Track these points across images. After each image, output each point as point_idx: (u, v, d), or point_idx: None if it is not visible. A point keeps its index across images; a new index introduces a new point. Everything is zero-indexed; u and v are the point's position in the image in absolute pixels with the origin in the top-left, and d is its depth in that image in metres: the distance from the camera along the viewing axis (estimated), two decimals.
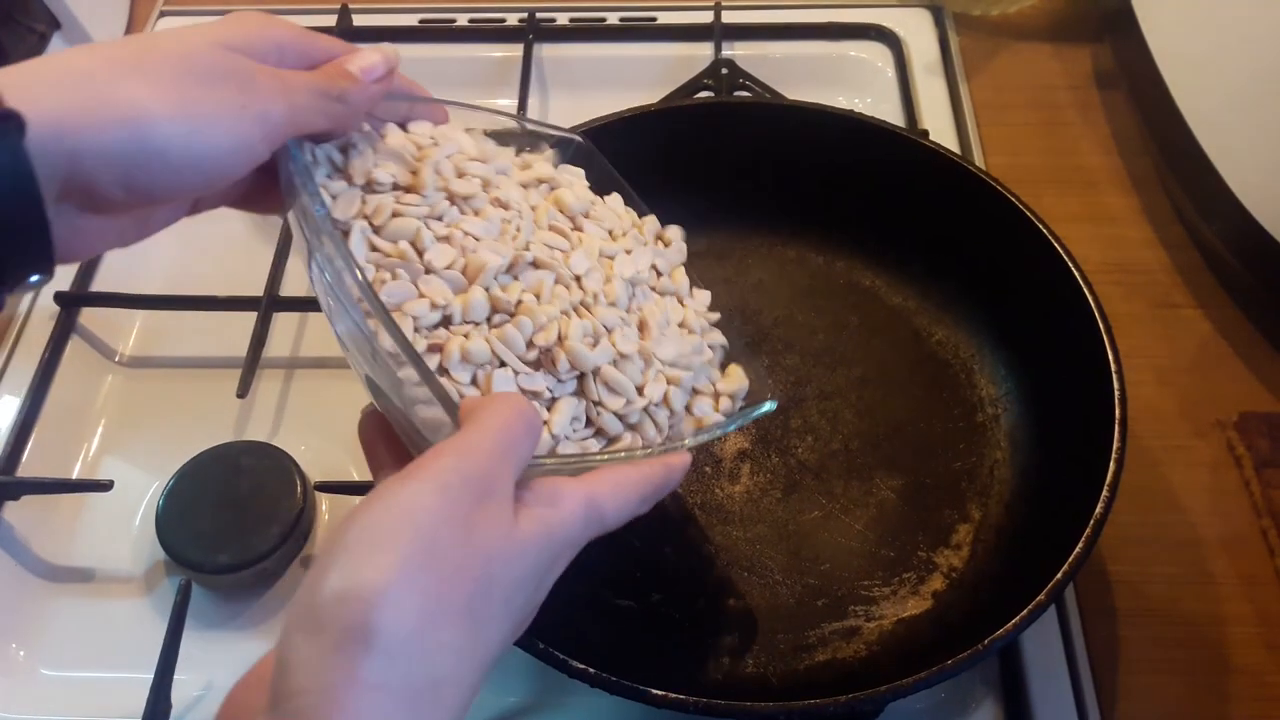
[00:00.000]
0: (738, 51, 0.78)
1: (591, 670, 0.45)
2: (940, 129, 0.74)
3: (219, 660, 0.54)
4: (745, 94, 0.74)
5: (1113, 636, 0.54)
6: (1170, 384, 0.63)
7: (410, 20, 0.82)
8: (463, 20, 0.82)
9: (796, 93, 0.73)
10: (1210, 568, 0.56)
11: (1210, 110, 0.64)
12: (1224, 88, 0.64)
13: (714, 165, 0.64)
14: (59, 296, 0.66)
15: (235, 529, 0.56)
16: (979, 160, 0.72)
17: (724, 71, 0.74)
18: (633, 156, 0.61)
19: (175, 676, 0.52)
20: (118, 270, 0.69)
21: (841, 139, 0.62)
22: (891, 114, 0.76)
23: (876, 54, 0.80)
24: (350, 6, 0.82)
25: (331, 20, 0.80)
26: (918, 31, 0.81)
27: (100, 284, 0.68)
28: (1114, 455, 0.49)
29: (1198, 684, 0.53)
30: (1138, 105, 0.73)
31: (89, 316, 0.66)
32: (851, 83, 0.79)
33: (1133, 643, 0.54)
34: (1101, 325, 0.53)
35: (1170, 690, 0.53)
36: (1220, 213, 0.63)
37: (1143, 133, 0.73)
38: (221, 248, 0.72)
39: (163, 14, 0.84)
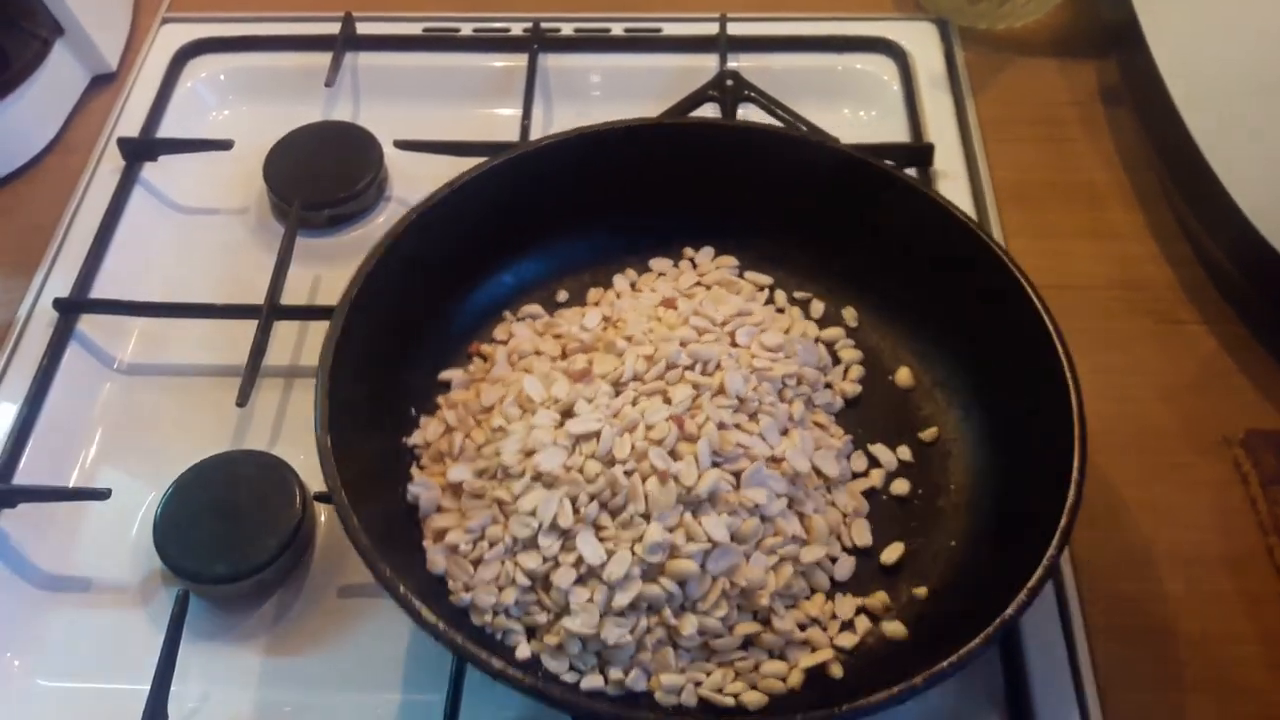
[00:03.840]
0: (743, 63, 0.78)
1: None
2: (946, 143, 0.73)
3: (216, 671, 0.54)
4: (708, 116, 0.74)
5: (1118, 654, 0.54)
6: (1175, 401, 0.62)
7: (414, 29, 0.82)
8: (467, 30, 0.82)
9: (801, 105, 0.73)
10: (1215, 586, 0.56)
11: (1217, 126, 0.64)
12: (1231, 103, 0.64)
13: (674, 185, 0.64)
14: (58, 303, 0.65)
15: (233, 539, 0.55)
16: (984, 174, 0.72)
17: (729, 83, 0.74)
18: (626, 169, 0.63)
19: (172, 687, 0.51)
20: (117, 277, 0.69)
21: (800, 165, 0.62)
22: (897, 128, 0.76)
23: (882, 67, 0.79)
24: (354, 15, 0.81)
25: (335, 28, 0.80)
26: (923, 46, 0.81)
27: (99, 291, 0.67)
28: (1067, 509, 0.48)
29: (1202, 702, 0.52)
30: (1143, 121, 0.73)
31: (87, 323, 0.66)
32: (857, 96, 0.79)
33: (1138, 660, 0.53)
34: (1057, 340, 0.52)
35: (1175, 708, 0.52)
36: (1226, 229, 0.63)
37: (1148, 149, 0.73)
38: (222, 255, 0.71)
39: (165, 20, 0.84)
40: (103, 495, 0.57)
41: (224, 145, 0.73)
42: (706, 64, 0.78)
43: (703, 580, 0.50)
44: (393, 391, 0.58)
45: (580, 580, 0.49)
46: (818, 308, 0.64)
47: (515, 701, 0.52)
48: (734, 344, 0.58)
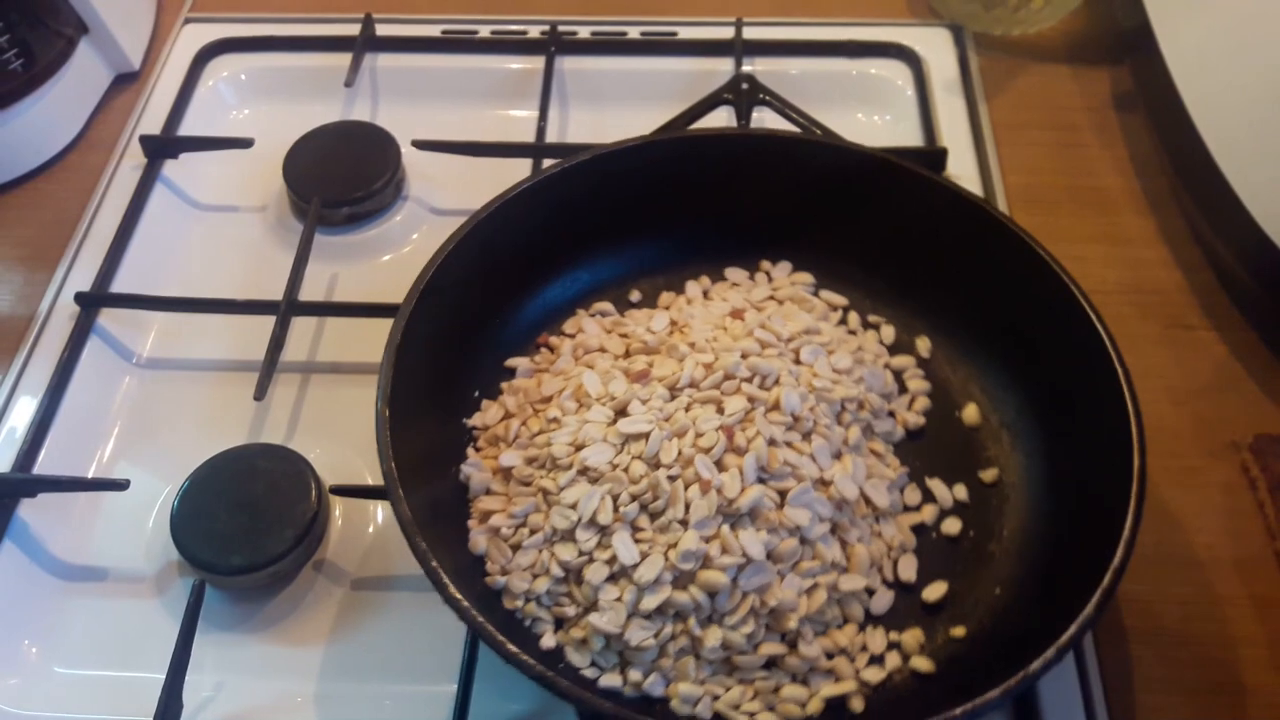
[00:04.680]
0: (758, 67, 0.78)
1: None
2: (959, 148, 0.74)
3: (231, 661, 0.54)
4: (725, 126, 0.73)
5: (1126, 656, 0.54)
6: (1184, 405, 0.63)
7: (433, 31, 0.83)
8: (485, 32, 0.83)
9: (815, 109, 0.73)
10: (1223, 589, 0.56)
11: (1229, 132, 0.64)
12: (1244, 110, 0.64)
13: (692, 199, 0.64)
14: (79, 297, 0.66)
15: (249, 531, 0.56)
16: (996, 179, 0.73)
17: (744, 86, 0.75)
18: (712, 176, 0.63)
19: (187, 676, 0.52)
20: (138, 272, 0.70)
21: (834, 171, 0.62)
22: (911, 132, 0.76)
23: (896, 72, 0.80)
24: (374, 16, 0.82)
25: (355, 29, 0.81)
26: (938, 51, 0.81)
27: (120, 285, 0.68)
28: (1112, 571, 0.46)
29: (1209, 705, 0.53)
30: (1155, 127, 0.74)
31: (108, 317, 0.67)
32: (871, 100, 0.79)
33: (1145, 662, 0.54)
34: (1129, 400, 0.51)
35: (1182, 711, 0.52)
36: (1237, 234, 0.64)
37: (1160, 155, 0.73)
38: (241, 252, 0.72)
39: (187, 20, 0.85)
40: (121, 486, 0.58)
41: (244, 143, 0.74)
42: (722, 67, 0.79)
43: (732, 594, 0.49)
44: (459, 373, 0.59)
45: (612, 578, 0.50)
46: (890, 334, 0.63)
47: (526, 694, 0.53)
48: (797, 361, 0.58)
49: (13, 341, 0.66)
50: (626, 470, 0.51)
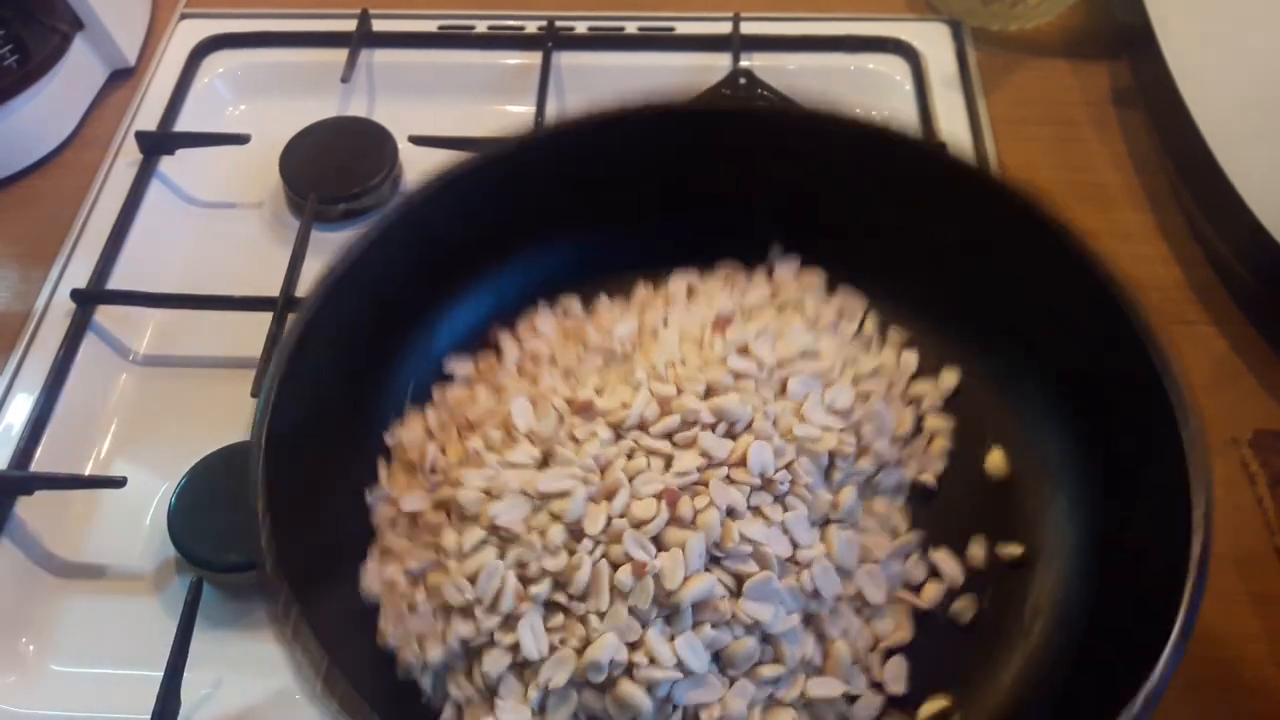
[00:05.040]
0: (756, 62, 0.78)
1: None
2: (957, 143, 0.74)
3: (228, 659, 0.54)
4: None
5: None
6: None
7: (429, 26, 0.83)
8: (482, 27, 0.82)
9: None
10: (1222, 585, 0.56)
11: (1229, 128, 0.64)
12: (1243, 105, 0.64)
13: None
14: (75, 294, 0.66)
15: (247, 528, 0.56)
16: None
17: (742, 81, 0.74)
18: (618, 160, 0.54)
19: (185, 674, 0.51)
20: (134, 269, 0.69)
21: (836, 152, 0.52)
22: (909, 127, 0.76)
23: (895, 67, 0.80)
24: (370, 12, 0.82)
25: (351, 25, 0.81)
26: (936, 46, 0.81)
27: (116, 282, 0.68)
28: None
29: (1208, 700, 0.53)
30: (1155, 123, 0.73)
31: (104, 314, 0.67)
32: (869, 95, 0.79)
33: None
34: (1194, 469, 0.41)
35: (1180, 706, 0.52)
36: (1236, 230, 0.63)
37: (1159, 151, 0.73)
38: (238, 249, 0.72)
39: (183, 16, 0.85)
40: (118, 483, 0.58)
41: (240, 140, 0.74)
42: (719, 63, 0.79)
43: (662, 708, 0.40)
44: (386, 376, 0.52)
45: (514, 668, 0.41)
46: (911, 356, 0.53)
47: None
48: (784, 393, 0.47)
49: (9, 339, 0.65)
50: (543, 534, 0.42)
